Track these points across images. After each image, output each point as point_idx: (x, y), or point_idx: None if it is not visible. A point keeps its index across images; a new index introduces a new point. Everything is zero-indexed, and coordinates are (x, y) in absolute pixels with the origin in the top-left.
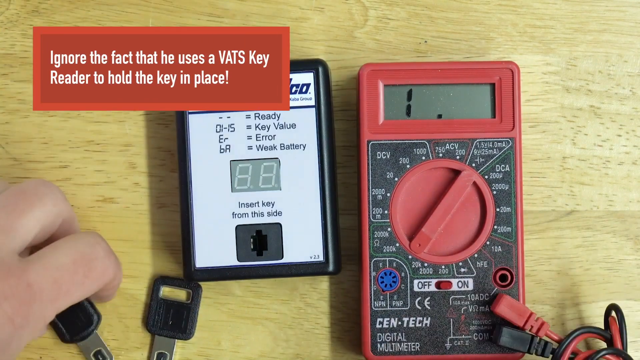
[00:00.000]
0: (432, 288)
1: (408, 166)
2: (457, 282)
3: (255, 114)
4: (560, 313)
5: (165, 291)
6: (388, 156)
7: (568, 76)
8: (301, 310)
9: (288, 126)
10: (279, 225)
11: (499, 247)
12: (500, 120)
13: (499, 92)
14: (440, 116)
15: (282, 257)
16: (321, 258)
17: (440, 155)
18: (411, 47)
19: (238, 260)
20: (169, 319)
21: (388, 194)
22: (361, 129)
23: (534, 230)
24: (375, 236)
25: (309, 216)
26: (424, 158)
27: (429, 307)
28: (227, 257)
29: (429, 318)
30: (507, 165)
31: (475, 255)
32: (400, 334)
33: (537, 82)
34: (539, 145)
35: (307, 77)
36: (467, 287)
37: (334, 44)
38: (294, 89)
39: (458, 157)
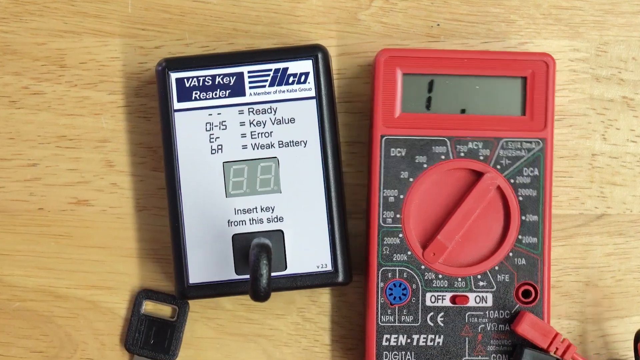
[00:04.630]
0: (447, 303)
1: (425, 165)
2: (475, 297)
3: (249, 108)
4: (589, 329)
5: (148, 306)
6: (403, 153)
7: (598, 64)
8: (299, 326)
9: (286, 121)
10: (281, 232)
11: (523, 259)
12: (531, 118)
13: (531, 86)
14: (463, 111)
15: (286, 267)
16: (329, 267)
17: (462, 154)
18: (422, 31)
19: (237, 273)
20: (151, 338)
21: (401, 196)
22: (374, 122)
23: (560, 236)
24: (384, 242)
25: (314, 221)
26: (443, 157)
27: (442, 324)
28: (224, 270)
29: (442, 336)
30: (536, 169)
31: (496, 268)
32: (409, 352)
33: (563, 70)
34: (565, 141)
35: (305, 65)
36: (486, 302)
37: (335, 27)
38: (291, 78)
39: (481, 158)
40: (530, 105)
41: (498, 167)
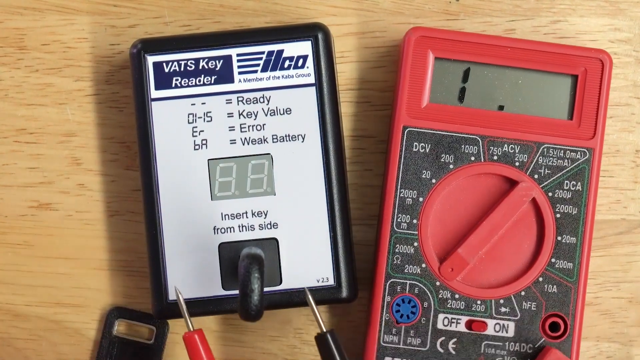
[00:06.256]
0: (462, 327)
1: (451, 166)
2: (495, 325)
3: (238, 97)
4: (633, 353)
5: (121, 327)
6: (427, 150)
7: None
8: (295, 350)
9: (281, 111)
10: (275, 241)
11: (554, 286)
12: (579, 123)
13: (582, 87)
14: (501, 108)
15: (281, 282)
16: (331, 281)
17: (495, 158)
18: (438, 7)
19: (224, 288)
20: None
21: (420, 199)
22: (396, 110)
23: (599, 245)
24: (396, 250)
25: (314, 228)
26: (473, 159)
27: (453, 352)
28: (209, 285)
29: None
30: (579, 183)
31: (522, 293)
32: None
33: None
34: (605, 135)
35: (303, 47)
36: (507, 332)
37: (338, 3)
38: (286, 62)
39: (517, 164)
40: (579, 109)
41: (535, 176)
